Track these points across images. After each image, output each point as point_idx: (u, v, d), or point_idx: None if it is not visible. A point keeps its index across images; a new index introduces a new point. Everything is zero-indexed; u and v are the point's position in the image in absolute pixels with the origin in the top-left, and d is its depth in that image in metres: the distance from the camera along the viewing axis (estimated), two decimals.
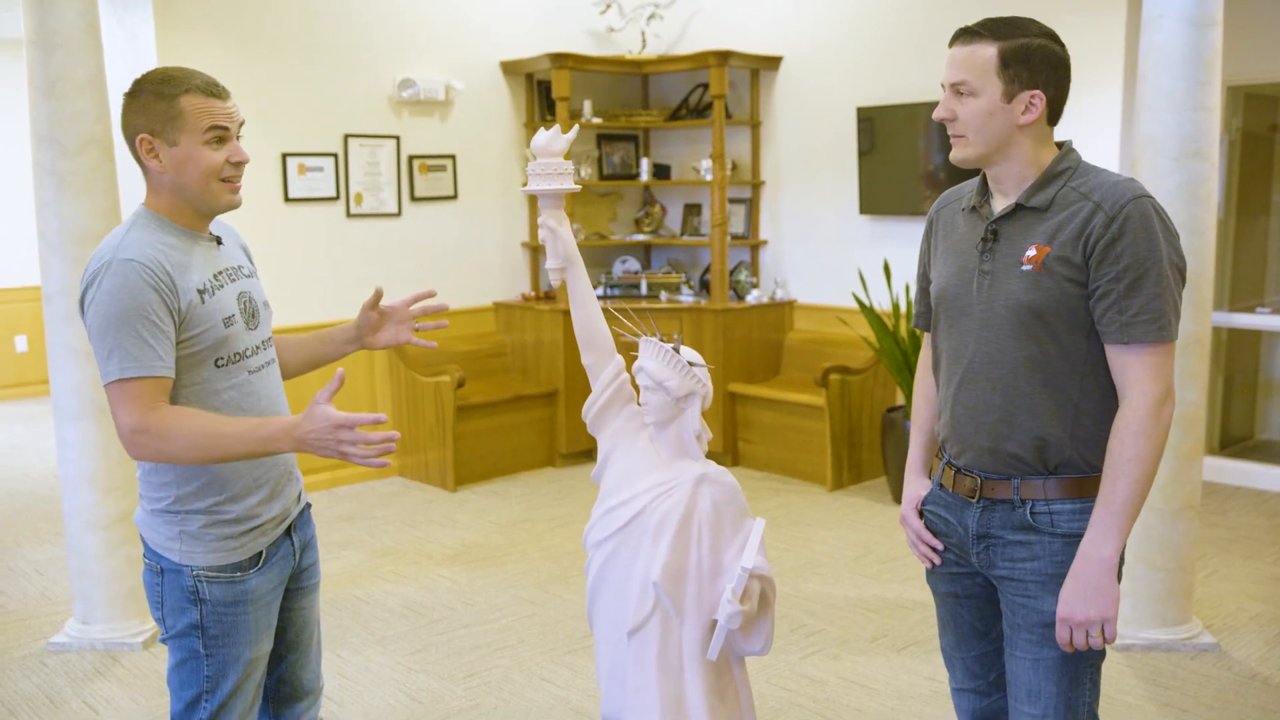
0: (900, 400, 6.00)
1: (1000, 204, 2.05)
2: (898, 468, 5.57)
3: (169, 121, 2.05)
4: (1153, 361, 1.92)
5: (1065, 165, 2.01)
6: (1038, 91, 1.97)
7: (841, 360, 6.01)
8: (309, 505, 2.40)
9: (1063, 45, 2.01)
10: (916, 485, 2.27)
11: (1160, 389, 1.92)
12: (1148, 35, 3.66)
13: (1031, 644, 2.04)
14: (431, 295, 2.51)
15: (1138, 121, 3.72)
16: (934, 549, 2.20)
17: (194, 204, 2.12)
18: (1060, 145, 2.05)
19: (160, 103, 2.05)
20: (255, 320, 2.20)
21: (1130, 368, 1.93)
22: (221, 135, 2.09)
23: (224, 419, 2.03)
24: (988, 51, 1.96)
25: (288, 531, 2.27)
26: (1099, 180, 1.97)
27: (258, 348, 2.20)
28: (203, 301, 2.07)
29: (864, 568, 4.70)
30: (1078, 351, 1.97)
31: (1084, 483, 2.00)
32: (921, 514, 2.24)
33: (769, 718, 3.40)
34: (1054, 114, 2.02)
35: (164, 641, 2.19)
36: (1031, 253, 1.97)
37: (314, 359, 2.49)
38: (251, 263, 2.34)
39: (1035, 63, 1.96)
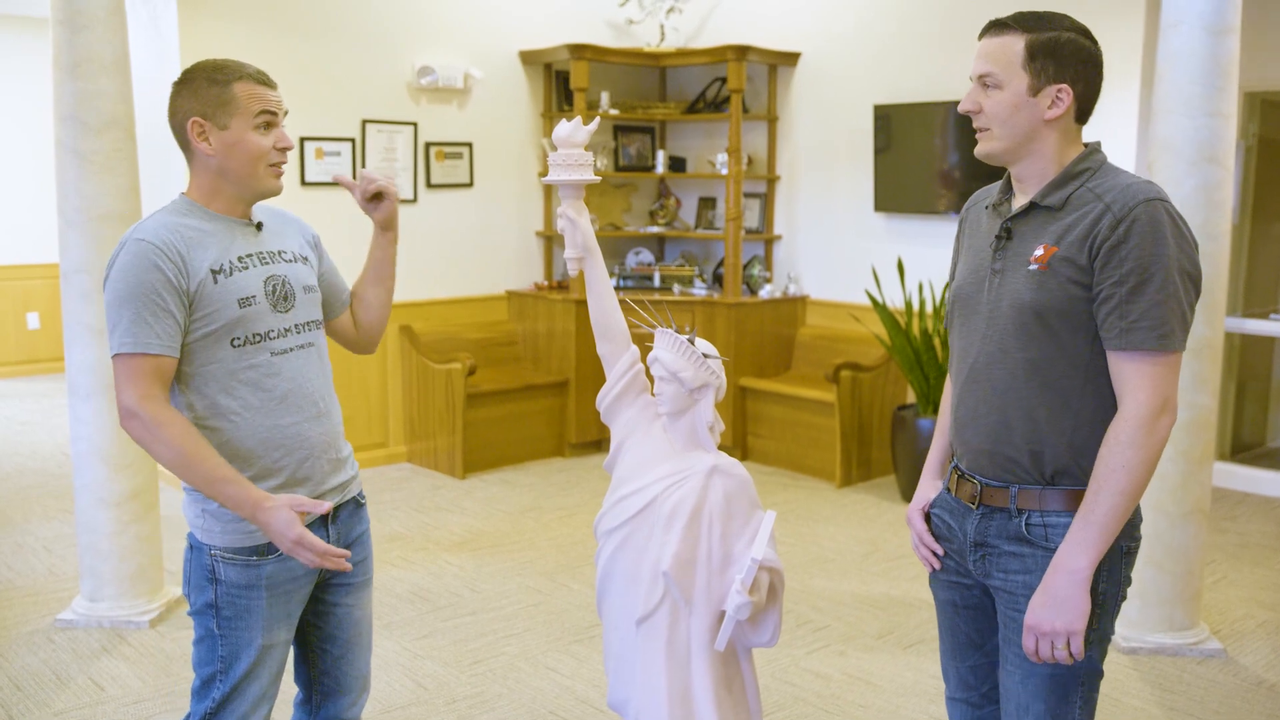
0: (911, 398, 6.00)
1: (1020, 203, 2.02)
2: (907, 466, 5.57)
3: (221, 106, 2.13)
4: (1152, 371, 1.85)
5: (1085, 166, 1.96)
6: (1065, 86, 1.92)
7: (853, 357, 6.00)
8: (358, 499, 2.37)
9: (1095, 42, 1.96)
10: (927, 488, 2.25)
11: (1157, 401, 1.85)
12: (1165, 40, 3.65)
13: (1021, 658, 1.99)
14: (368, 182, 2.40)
15: (1154, 125, 3.72)
16: (935, 554, 2.17)
17: (237, 188, 2.18)
18: (1086, 145, 2.00)
19: (214, 88, 2.13)
20: (288, 304, 2.22)
21: (1128, 375, 1.87)
22: (270, 121, 2.16)
23: (212, 452, 2.06)
24: (1016, 44, 1.93)
25: (324, 522, 2.25)
26: (1114, 181, 1.92)
27: (287, 330, 2.21)
28: (215, 282, 2.11)
29: (871, 565, 4.71)
30: (1079, 357, 1.92)
31: (1080, 496, 1.95)
32: (929, 517, 2.21)
33: (773, 712, 3.41)
34: (1083, 111, 1.97)
35: (189, 615, 2.24)
36: (1039, 252, 1.93)
37: (378, 278, 2.48)
38: (314, 250, 2.37)
39: (1064, 57, 1.92)
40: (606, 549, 2.14)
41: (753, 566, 1.98)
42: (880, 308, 5.56)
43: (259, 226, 2.25)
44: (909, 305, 5.58)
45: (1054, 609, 1.89)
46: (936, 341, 5.52)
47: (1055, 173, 1.96)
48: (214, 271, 2.11)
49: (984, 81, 1.96)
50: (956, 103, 5.97)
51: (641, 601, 2.07)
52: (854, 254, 6.32)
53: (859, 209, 6.31)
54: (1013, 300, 1.95)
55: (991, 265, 2.02)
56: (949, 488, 2.15)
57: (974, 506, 2.05)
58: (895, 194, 6.07)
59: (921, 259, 5.88)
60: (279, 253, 2.26)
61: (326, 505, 2.07)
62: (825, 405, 5.90)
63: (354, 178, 5.95)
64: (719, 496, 2.07)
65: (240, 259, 2.17)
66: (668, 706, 2.06)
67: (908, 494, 5.58)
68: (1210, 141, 3.61)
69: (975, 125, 2.00)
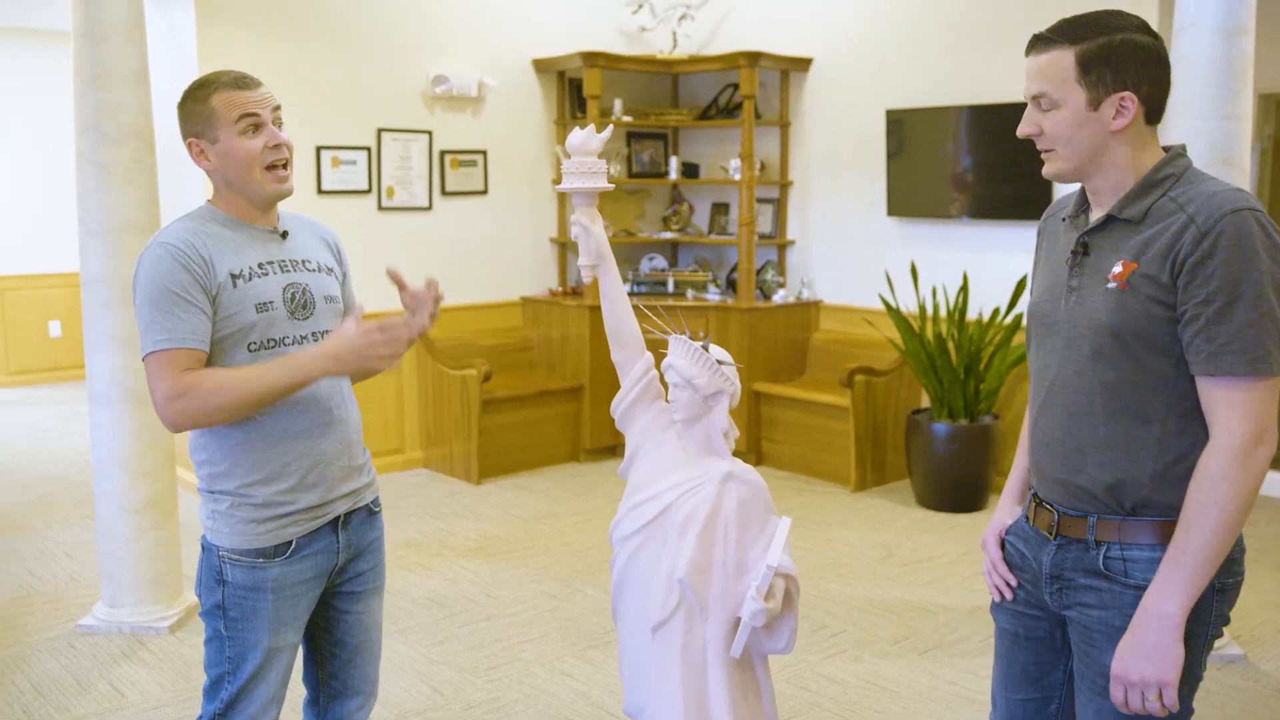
0: (925, 403, 5.99)
1: (1097, 215, 1.87)
2: (921, 470, 5.56)
3: (205, 121, 2.17)
4: (1245, 398, 1.69)
5: (1167, 173, 1.80)
6: (1127, 93, 1.77)
7: (867, 361, 6.00)
8: (371, 507, 2.37)
9: (1153, 35, 1.79)
10: (1005, 513, 2.11)
11: (1252, 430, 1.69)
12: (1179, 42, 3.65)
13: (1093, 693, 1.88)
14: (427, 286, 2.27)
15: (1168, 128, 3.71)
16: (1008, 583, 2.04)
17: (245, 195, 2.21)
18: (1168, 150, 1.84)
19: (196, 105, 2.18)
20: (306, 311, 2.24)
21: (1218, 403, 1.72)
22: (255, 123, 2.18)
23: (254, 369, 2.11)
24: (1065, 58, 1.78)
25: (335, 529, 2.27)
26: (1199, 190, 1.75)
27: (304, 338, 2.23)
28: (234, 286, 2.14)
29: (886, 569, 4.71)
30: (1165, 380, 1.77)
31: (1165, 528, 1.79)
32: (1004, 544, 2.08)
33: (790, 718, 3.41)
34: (1152, 113, 1.81)
35: (200, 616, 2.26)
36: (1118, 269, 1.77)
37: None
38: (340, 262, 2.41)
39: (1120, 61, 1.76)
40: (622, 555, 2.14)
41: (768, 573, 1.98)
42: (894, 312, 5.56)
43: (284, 235, 2.28)
44: (922, 309, 5.58)
45: (1143, 657, 1.75)
46: (950, 345, 5.52)
47: (1133, 183, 1.82)
48: (233, 276, 2.15)
49: (1039, 102, 1.83)
50: (968, 107, 6.02)
51: (657, 608, 2.08)
52: (867, 259, 6.32)
53: (872, 213, 6.31)
54: (1090, 320, 1.81)
55: (1068, 282, 1.88)
56: (1027, 515, 2.02)
57: (1051, 536, 1.92)
58: (908, 198, 6.07)
59: (934, 263, 5.88)
60: (303, 262, 2.28)
61: (358, 306, 2.18)
62: (839, 410, 5.90)
63: (371, 186, 6.03)
64: (734, 503, 2.07)
65: (260, 265, 2.20)
66: (683, 713, 2.06)
67: (922, 498, 5.57)
68: (1225, 144, 3.60)
69: (1039, 147, 1.87)
